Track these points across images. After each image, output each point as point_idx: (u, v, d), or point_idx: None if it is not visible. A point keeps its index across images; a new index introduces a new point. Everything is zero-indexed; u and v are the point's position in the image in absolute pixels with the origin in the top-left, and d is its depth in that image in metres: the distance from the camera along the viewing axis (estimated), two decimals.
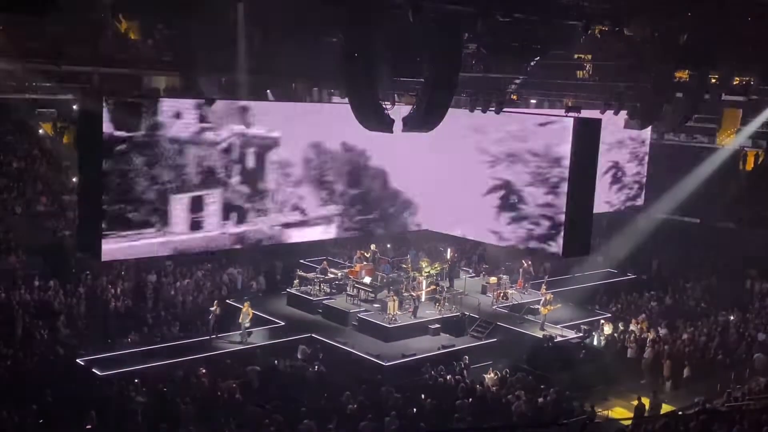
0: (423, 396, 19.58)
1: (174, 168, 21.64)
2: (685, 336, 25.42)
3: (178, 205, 21.97)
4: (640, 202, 32.37)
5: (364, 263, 27.78)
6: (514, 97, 27.07)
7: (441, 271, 28.04)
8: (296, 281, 27.55)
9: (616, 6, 21.41)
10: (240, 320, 23.77)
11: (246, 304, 24.28)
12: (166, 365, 21.11)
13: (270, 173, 23.80)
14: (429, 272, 27.28)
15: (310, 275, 27.70)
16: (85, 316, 24.14)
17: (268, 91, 26.53)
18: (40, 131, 31.54)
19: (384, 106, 20.21)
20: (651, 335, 25.27)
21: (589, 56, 29.93)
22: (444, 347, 24.05)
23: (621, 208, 31.72)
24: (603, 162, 26.80)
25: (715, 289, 30.68)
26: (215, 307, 23.65)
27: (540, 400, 19.75)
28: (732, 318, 27.35)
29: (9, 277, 24.99)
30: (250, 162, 23.47)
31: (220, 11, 23.99)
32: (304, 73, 27.45)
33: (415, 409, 18.80)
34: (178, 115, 21.90)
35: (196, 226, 22.33)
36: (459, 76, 19.61)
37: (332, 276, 27.56)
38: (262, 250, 27.65)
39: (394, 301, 25.06)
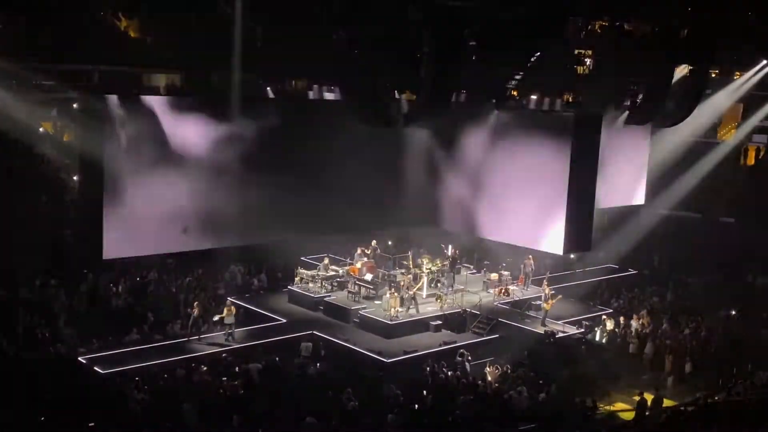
0: (424, 392, 19.58)
1: None
2: (686, 331, 25.42)
3: None
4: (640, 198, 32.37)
5: (365, 260, 27.78)
6: (514, 92, 27.01)
7: (442, 267, 28.04)
8: (297, 278, 27.55)
9: (616, 2, 21.43)
10: (225, 320, 23.74)
11: (229, 304, 24.28)
12: (168, 363, 21.10)
13: None
14: (430, 269, 27.28)
15: (312, 272, 27.70)
16: (86, 314, 24.12)
17: (268, 88, 26.52)
18: (41, 130, 31.51)
19: (384, 102, 20.23)
20: (652, 330, 25.27)
21: (590, 52, 29.93)
22: (445, 343, 24.04)
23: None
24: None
25: (717, 285, 30.64)
26: (195, 308, 23.53)
27: (542, 395, 19.75)
28: (734, 313, 27.34)
29: (10, 275, 24.96)
30: None
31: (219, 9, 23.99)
32: (303, 70, 27.47)
33: (416, 406, 18.80)
34: None
35: None
36: (459, 72, 19.61)
37: (333, 273, 27.56)
38: (262, 248, 27.67)
39: (395, 297, 25.04)
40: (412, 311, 25.34)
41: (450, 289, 27.28)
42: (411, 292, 25.44)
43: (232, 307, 23.98)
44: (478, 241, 30.70)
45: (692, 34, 23.35)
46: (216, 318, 23.63)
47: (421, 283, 26.49)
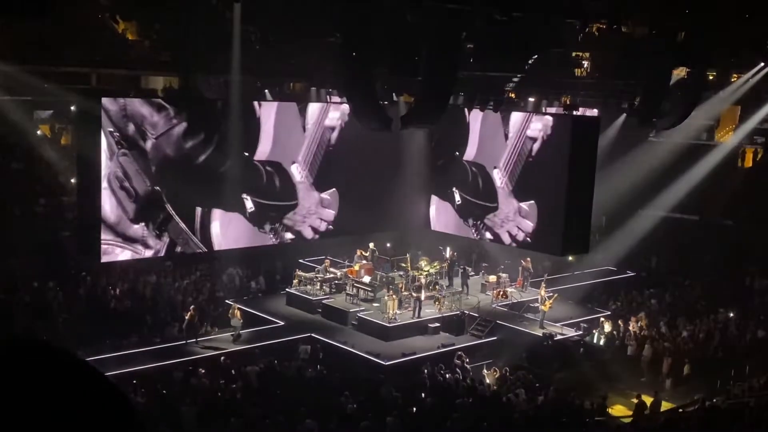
0: (423, 395, 19.57)
1: None
2: (684, 333, 25.42)
3: None
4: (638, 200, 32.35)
5: (364, 262, 27.74)
6: (512, 95, 27.03)
7: (440, 270, 28.02)
8: (296, 281, 27.52)
9: (614, 4, 21.45)
10: (231, 323, 23.73)
11: (234, 306, 24.27)
12: (166, 366, 21.08)
13: None
14: (428, 271, 27.25)
15: (310, 275, 27.66)
16: (85, 316, 24.08)
17: (266, 91, 26.54)
18: (38, 132, 31.50)
19: (382, 104, 20.24)
20: (650, 332, 25.28)
21: (588, 54, 29.98)
22: (444, 346, 24.03)
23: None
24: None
25: (715, 287, 30.64)
26: (190, 312, 23.50)
27: (540, 398, 19.74)
28: (732, 315, 27.33)
29: (8, 278, 24.92)
30: None
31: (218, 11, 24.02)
32: (302, 72, 27.49)
33: (415, 408, 18.78)
34: None
35: None
36: (457, 74, 19.63)
37: (332, 275, 27.52)
38: (261, 250, 27.68)
39: (393, 300, 25.01)
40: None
41: (465, 288, 27.39)
42: (420, 296, 25.32)
43: (237, 311, 23.95)
44: (476, 243, 30.75)
45: (690, 37, 23.39)
46: (234, 331, 23.70)
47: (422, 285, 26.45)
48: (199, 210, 24.15)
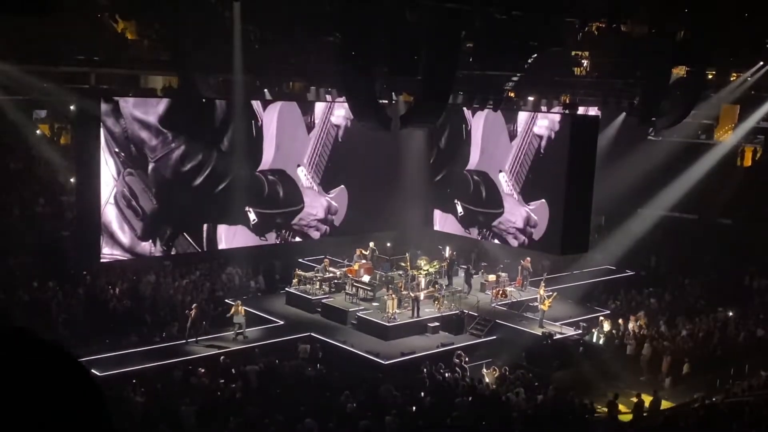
0: (422, 394, 19.58)
1: None
2: (684, 332, 25.43)
3: None
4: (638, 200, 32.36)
5: (363, 262, 27.74)
6: (512, 94, 27.03)
7: (439, 269, 28.01)
8: (295, 280, 27.52)
9: (614, 3, 21.46)
10: (234, 320, 23.75)
11: (238, 303, 24.31)
12: (165, 365, 21.08)
13: None
14: (428, 270, 27.25)
15: (309, 274, 27.66)
16: (84, 316, 24.07)
17: (265, 90, 26.57)
18: (38, 132, 31.51)
19: (382, 104, 20.25)
20: (650, 332, 25.29)
21: (587, 53, 30.00)
22: (443, 345, 24.03)
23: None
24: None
25: (714, 286, 30.65)
26: (192, 311, 23.47)
27: (539, 397, 19.76)
28: (731, 314, 27.34)
29: (8, 277, 24.92)
30: None
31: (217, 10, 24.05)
32: (302, 72, 27.51)
33: (414, 407, 18.79)
34: None
35: None
36: (456, 73, 19.64)
37: (331, 275, 27.52)
38: (261, 249, 27.74)
39: (393, 299, 24.99)
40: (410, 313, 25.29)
41: (468, 286, 27.45)
42: (419, 295, 25.30)
43: (240, 308, 23.94)
44: (476, 242, 30.76)
45: (689, 36, 23.41)
46: (237, 329, 23.75)
47: (422, 285, 26.45)
48: (205, 226, 24.57)
